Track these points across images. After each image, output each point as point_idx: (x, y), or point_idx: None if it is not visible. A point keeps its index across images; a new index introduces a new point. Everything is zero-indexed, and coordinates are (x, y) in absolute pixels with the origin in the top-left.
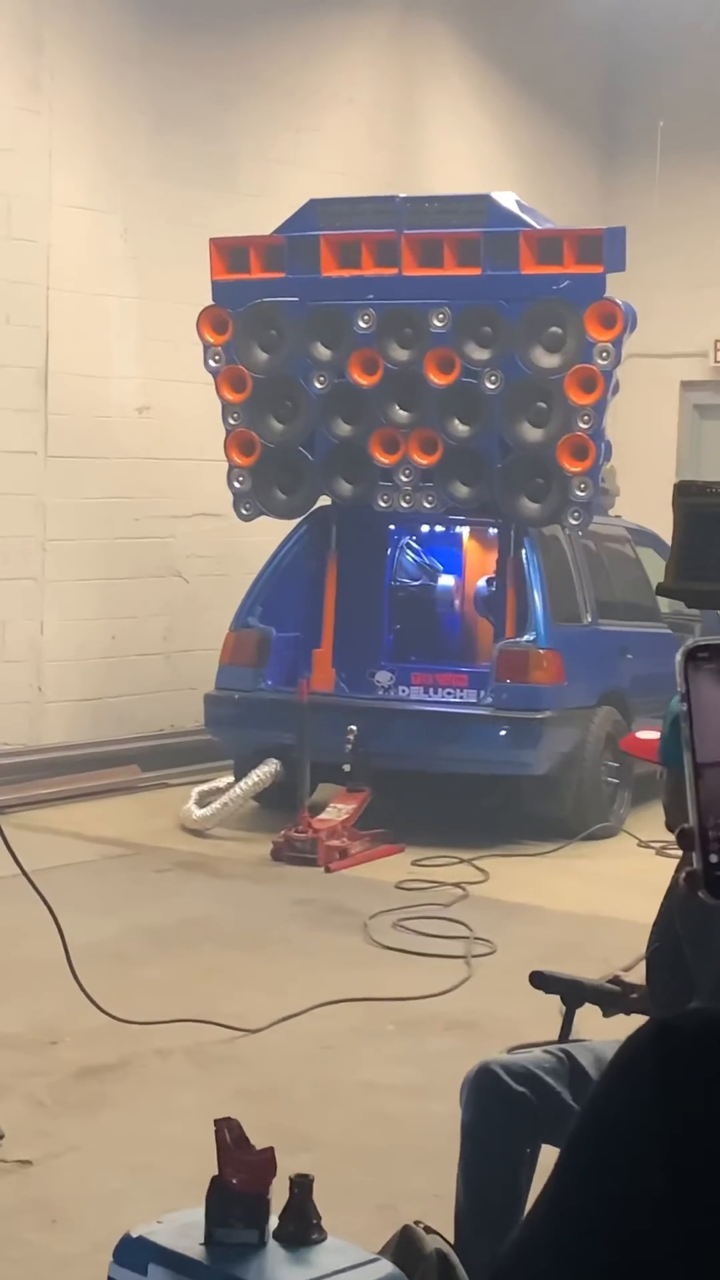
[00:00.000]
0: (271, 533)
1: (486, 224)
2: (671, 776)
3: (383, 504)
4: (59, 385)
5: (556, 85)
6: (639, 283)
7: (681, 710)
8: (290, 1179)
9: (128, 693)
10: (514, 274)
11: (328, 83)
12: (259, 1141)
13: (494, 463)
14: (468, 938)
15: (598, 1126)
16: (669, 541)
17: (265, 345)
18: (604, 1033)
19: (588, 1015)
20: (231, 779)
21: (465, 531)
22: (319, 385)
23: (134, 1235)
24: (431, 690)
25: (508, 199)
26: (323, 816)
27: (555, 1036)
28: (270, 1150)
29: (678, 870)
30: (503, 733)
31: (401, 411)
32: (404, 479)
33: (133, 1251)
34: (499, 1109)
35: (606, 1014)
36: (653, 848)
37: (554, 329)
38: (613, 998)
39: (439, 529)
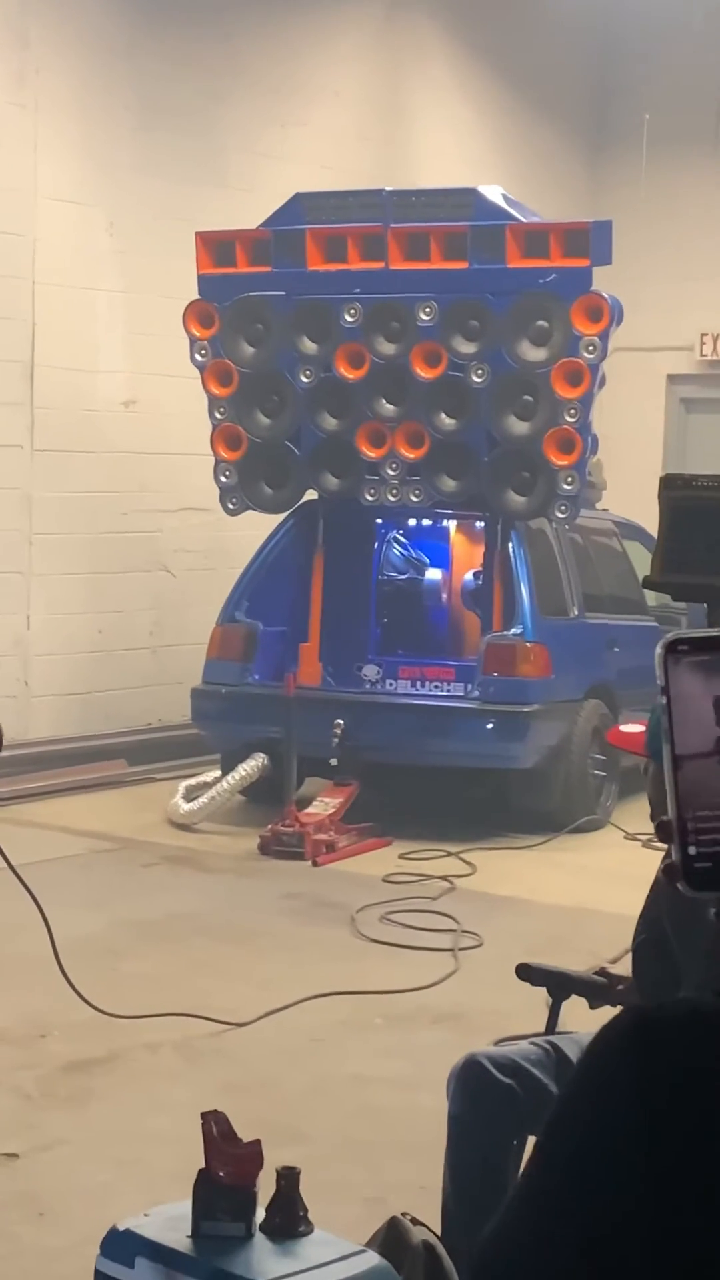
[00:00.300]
0: (258, 527)
1: (473, 217)
2: (657, 769)
3: (369, 498)
4: (45, 379)
5: (543, 79)
6: (625, 276)
7: (661, 703)
8: (277, 1171)
9: (115, 687)
10: (500, 267)
11: (314, 77)
12: (247, 1135)
13: (481, 456)
14: (455, 931)
15: (575, 1113)
16: (655, 535)
17: (251, 339)
18: (591, 1025)
19: (575, 1007)
20: (218, 773)
21: (452, 525)
22: (305, 379)
23: (121, 1228)
24: (418, 684)
25: (494, 192)
26: (310, 810)
27: (542, 1029)
28: (257, 1143)
29: (663, 862)
30: (490, 726)
31: (388, 405)
32: (391, 473)
33: (120, 1244)
34: (485, 1101)
35: (593, 1006)
36: (639, 840)
37: (540, 322)
38: (599, 990)
39: (426, 523)
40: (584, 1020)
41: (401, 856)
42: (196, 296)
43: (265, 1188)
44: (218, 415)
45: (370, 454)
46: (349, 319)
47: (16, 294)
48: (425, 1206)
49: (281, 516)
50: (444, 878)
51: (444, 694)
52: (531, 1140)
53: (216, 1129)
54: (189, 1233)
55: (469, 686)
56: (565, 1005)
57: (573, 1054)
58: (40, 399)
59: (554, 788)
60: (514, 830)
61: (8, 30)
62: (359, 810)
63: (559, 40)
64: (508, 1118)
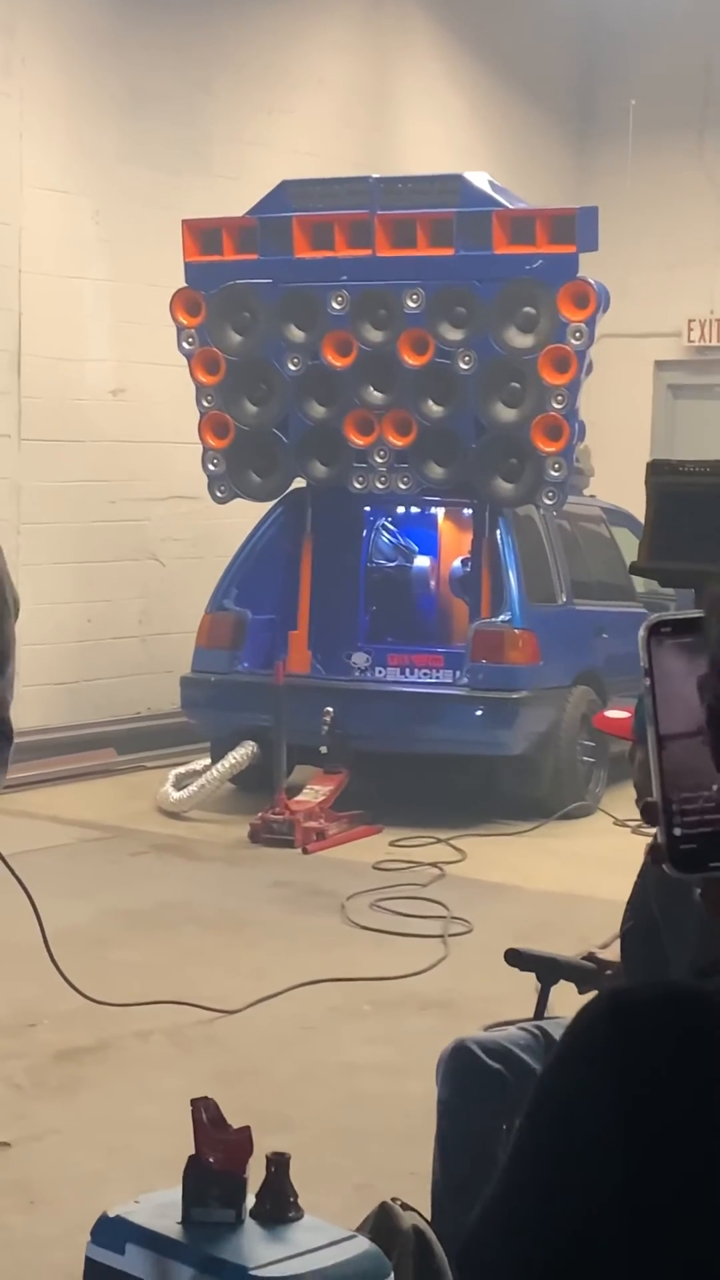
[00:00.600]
0: (247, 515)
1: (459, 204)
2: (643, 754)
3: (358, 485)
4: (32, 368)
5: (529, 65)
6: (612, 263)
7: (645, 685)
8: (267, 1157)
9: (104, 676)
10: (487, 254)
11: (300, 64)
12: (238, 1122)
13: (469, 443)
14: (445, 917)
15: (553, 1095)
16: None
17: (239, 327)
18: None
19: (564, 993)
20: (208, 761)
21: (440, 512)
22: (293, 367)
23: (111, 1215)
24: (407, 671)
25: (481, 179)
26: (300, 798)
27: (531, 1014)
28: (247, 1129)
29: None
30: (479, 713)
31: (376, 393)
32: (379, 460)
33: (110, 1231)
34: (474, 1086)
35: (582, 991)
36: (628, 826)
37: (527, 309)
38: (588, 975)
39: (414, 510)
40: (573, 1005)
41: (391, 844)
42: (183, 285)
43: (255, 1174)
44: (205, 403)
45: (358, 441)
46: (336, 306)
47: (2, 283)
48: (415, 1192)
49: (270, 505)
50: (434, 864)
51: (433, 681)
52: None
53: (206, 1116)
54: (179, 1219)
55: (458, 673)
56: (555, 990)
57: None
58: (27, 388)
59: (543, 774)
60: (503, 817)
61: None
62: (349, 798)
63: (545, 27)
64: (497, 1103)
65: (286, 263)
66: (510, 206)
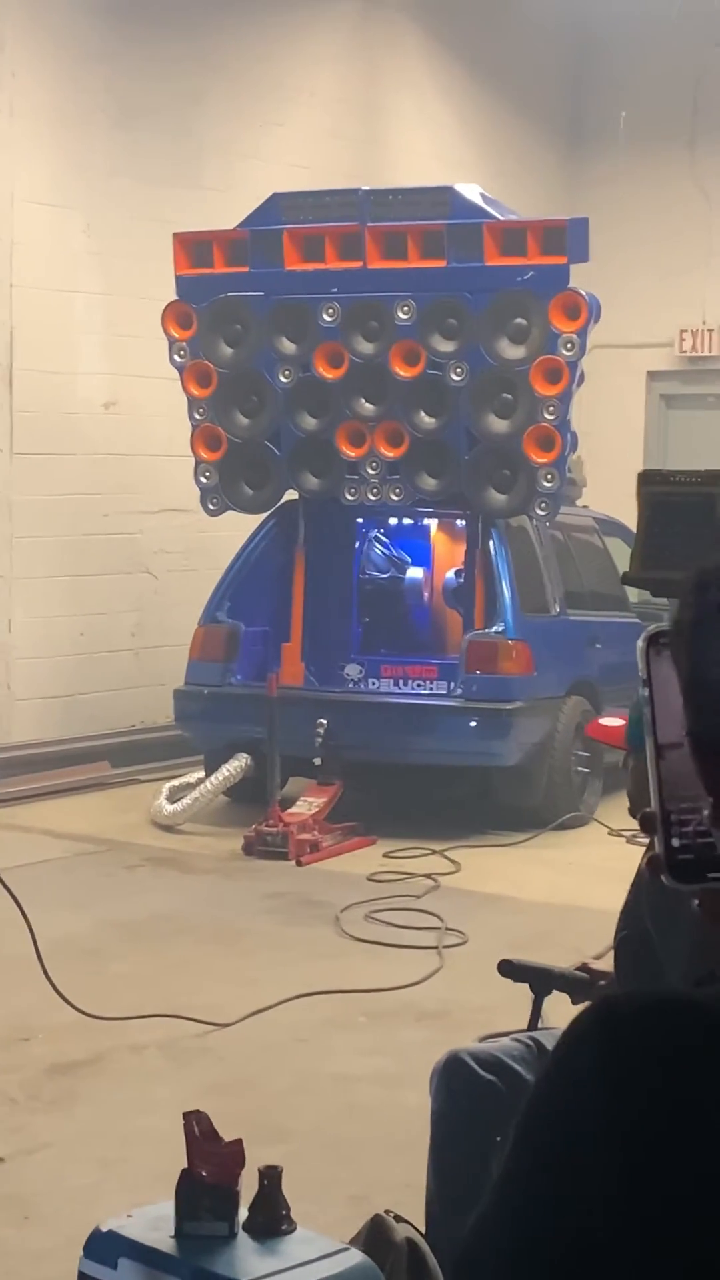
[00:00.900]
0: (239, 527)
1: (450, 216)
2: (637, 763)
3: (350, 497)
4: (24, 382)
5: (519, 76)
6: (604, 273)
7: (643, 695)
8: (259, 1170)
9: (97, 689)
10: (478, 265)
11: (290, 77)
12: (233, 1134)
13: (461, 454)
14: (439, 928)
15: (545, 1104)
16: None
17: (230, 340)
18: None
19: (559, 1004)
20: (202, 774)
21: (433, 523)
22: (284, 379)
23: (104, 1229)
24: (401, 682)
25: (471, 191)
26: (294, 810)
27: (525, 1025)
28: (238, 1142)
29: (644, 855)
30: (473, 724)
31: (367, 404)
32: (371, 472)
33: (103, 1245)
34: (468, 1097)
35: (576, 1002)
36: (623, 836)
37: (519, 320)
38: (581, 985)
39: (406, 521)
40: (567, 1016)
41: (385, 855)
42: (174, 297)
43: (248, 1187)
44: (197, 416)
45: (350, 453)
46: (327, 318)
47: None
48: (409, 1204)
49: (262, 517)
50: (428, 876)
51: (426, 692)
52: None
53: (198, 1129)
54: (172, 1233)
55: (451, 685)
56: (549, 1001)
57: None
58: (19, 401)
59: (537, 785)
60: (498, 828)
61: None
62: (343, 809)
63: (535, 38)
64: (491, 1114)
65: (277, 275)
66: (501, 218)
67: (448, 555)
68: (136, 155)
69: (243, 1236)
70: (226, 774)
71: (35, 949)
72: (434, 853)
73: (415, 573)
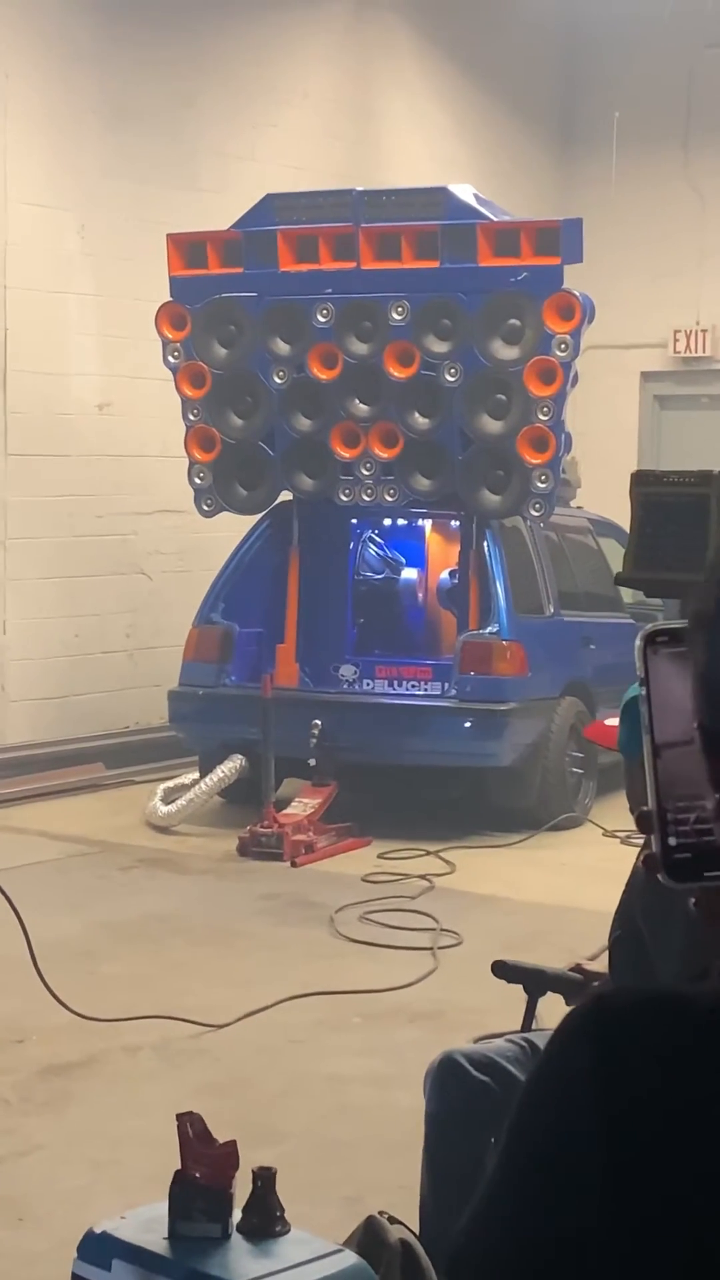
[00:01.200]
0: (233, 528)
1: (444, 217)
2: (632, 764)
3: (344, 498)
4: (17, 383)
5: (512, 77)
6: (597, 274)
7: (641, 694)
8: (253, 1171)
9: (91, 690)
10: (472, 266)
11: (284, 78)
12: (226, 1135)
13: (455, 455)
14: (434, 929)
15: (539, 1101)
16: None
17: (224, 341)
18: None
19: (553, 1004)
20: (196, 775)
21: (427, 524)
22: (278, 380)
23: (98, 1231)
24: (395, 683)
25: (465, 191)
26: (288, 811)
27: (519, 1026)
28: (232, 1144)
29: (639, 855)
30: (467, 724)
31: (361, 405)
32: (365, 472)
33: (97, 1247)
34: (462, 1098)
35: (569, 1003)
36: (617, 837)
37: (512, 321)
38: (575, 986)
39: (401, 522)
40: (561, 1017)
41: (380, 856)
42: (168, 299)
43: (242, 1188)
44: (191, 417)
45: (344, 454)
46: (321, 319)
47: None
48: (403, 1205)
49: (256, 518)
50: (423, 877)
51: (421, 693)
52: None
53: (192, 1130)
54: (165, 1234)
55: (446, 685)
56: (543, 1002)
57: None
58: (13, 403)
59: (532, 785)
60: (492, 828)
61: None
62: (337, 810)
63: (528, 39)
64: (484, 1115)
65: (271, 276)
66: (494, 219)
67: (442, 556)
68: (130, 157)
69: (236, 1238)
70: (221, 775)
71: (29, 950)
72: (428, 854)
73: (409, 573)
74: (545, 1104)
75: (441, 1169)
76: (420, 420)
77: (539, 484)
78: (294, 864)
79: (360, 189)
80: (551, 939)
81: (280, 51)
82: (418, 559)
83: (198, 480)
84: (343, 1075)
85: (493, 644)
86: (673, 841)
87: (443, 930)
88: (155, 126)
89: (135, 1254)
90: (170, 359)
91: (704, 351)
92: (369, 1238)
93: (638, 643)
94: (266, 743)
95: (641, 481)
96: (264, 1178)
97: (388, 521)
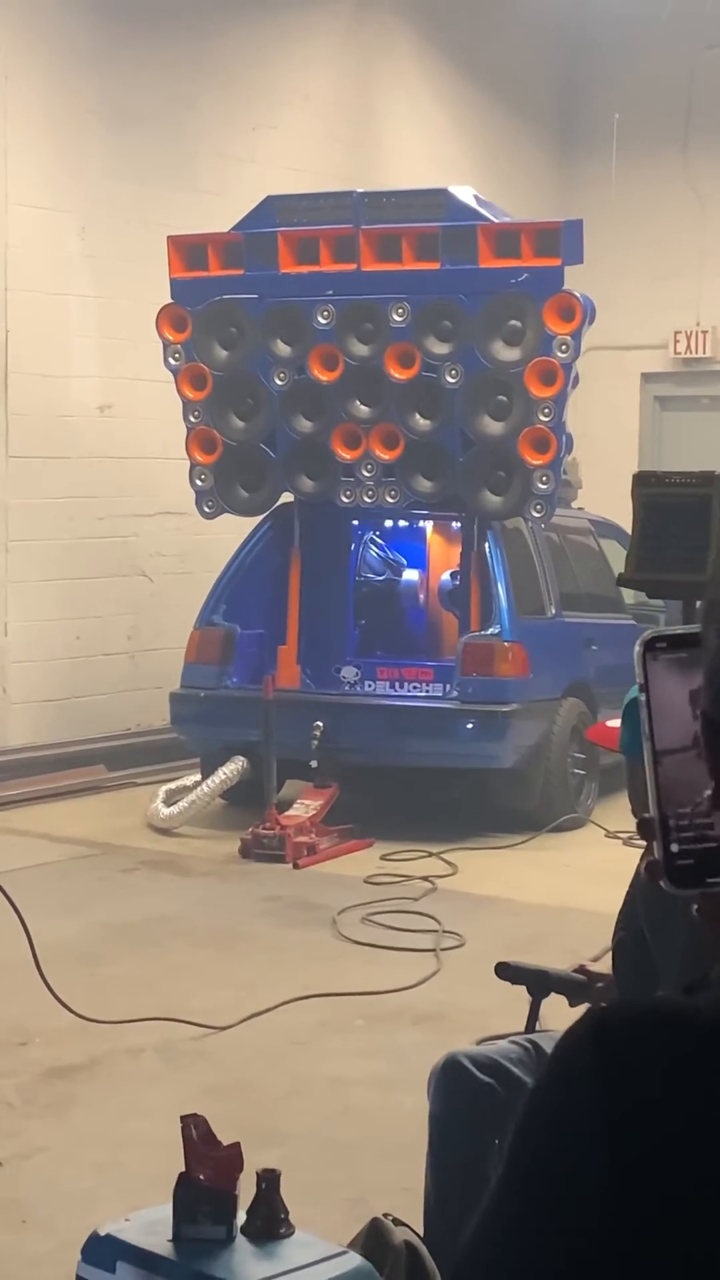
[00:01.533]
0: (235, 530)
1: (444, 218)
2: (632, 766)
3: (345, 499)
4: (18, 385)
5: (512, 78)
6: (597, 275)
7: (641, 700)
8: (257, 1174)
9: (93, 692)
10: (473, 268)
11: (284, 80)
12: (229, 1137)
13: (456, 456)
14: (437, 931)
15: (541, 1114)
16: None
17: (225, 342)
18: (571, 1023)
19: (556, 1006)
20: (198, 777)
21: (428, 526)
22: (279, 382)
23: (102, 1233)
24: (397, 685)
25: (465, 193)
26: (290, 813)
27: (523, 1027)
28: (237, 1146)
29: (642, 860)
30: (469, 726)
31: (362, 407)
32: (366, 474)
33: (101, 1249)
34: (465, 1100)
35: (573, 1004)
36: (620, 838)
37: (513, 322)
38: (578, 987)
39: (402, 524)
40: (565, 1019)
41: (382, 857)
42: (169, 300)
43: (246, 1190)
44: (192, 419)
45: (345, 455)
46: (322, 321)
47: None
48: (407, 1207)
49: (258, 519)
50: (425, 878)
51: (423, 694)
52: None
53: (196, 1132)
54: (170, 1236)
55: (448, 687)
56: (546, 1004)
57: None
58: (14, 405)
59: (534, 787)
60: (494, 830)
61: None
62: (339, 812)
63: (528, 40)
64: (488, 1117)
65: (272, 278)
66: (495, 220)
67: (443, 557)
68: (130, 159)
69: (241, 1240)
70: (223, 777)
71: (32, 952)
72: (431, 855)
73: (411, 575)
74: (548, 1110)
75: (445, 1171)
76: (421, 422)
77: (540, 485)
78: (296, 866)
79: (361, 191)
80: (554, 940)
81: (281, 53)
82: (419, 560)
83: (199, 482)
84: (346, 1077)
85: (494, 645)
86: (675, 848)
87: (445, 932)
88: (156, 128)
89: (139, 1256)
90: (171, 361)
91: (704, 352)
92: (373, 1240)
93: (637, 649)
94: (268, 744)
95: (643, 483)
96: (268, 1180)
97: (389, 523)
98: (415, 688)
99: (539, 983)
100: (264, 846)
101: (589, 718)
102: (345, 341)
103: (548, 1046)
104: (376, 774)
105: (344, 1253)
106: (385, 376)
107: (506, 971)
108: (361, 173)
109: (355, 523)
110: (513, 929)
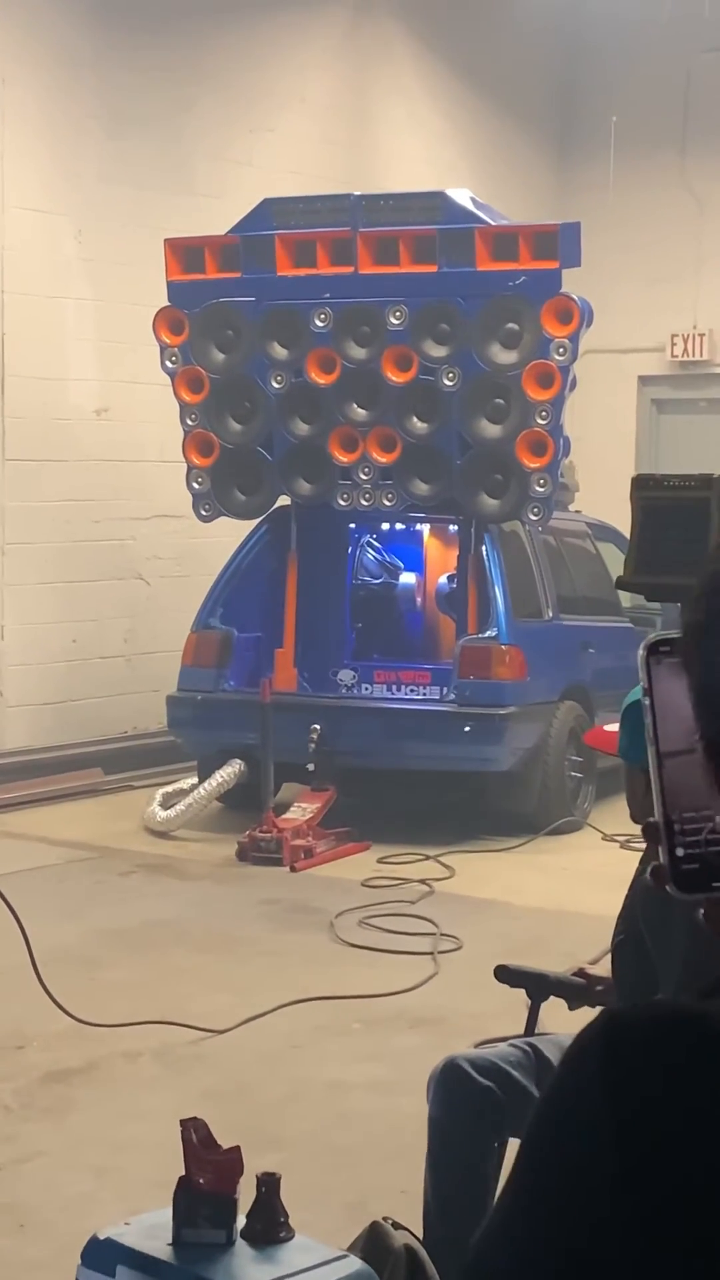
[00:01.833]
0: (232, 533)
1: (442, 221)
2: (630, 771)
3: (342, 503)
4: (15, 388)
5: (510, 81)
6: (595, 278)
7: (644, 704)
8: (257, 1177)
9: (90, 695)
10: (470, 271)
11: (281, 83)
12: (228, 1141)
13: (453, 459)
14: (434, 934)
15: (552, 1120)
16: (629, 536)
17: (222, 345)
18: (570, 1026)
19: (555, 1009)
20: (195, 780)
21: (426, 529)
22: (277, 385)
23: (101, 1237)
24: (394, 688)
25: (463, 196)
26: (287, 816)
27: (522, 1030)
28: (236, 1149)
29: (641, 863)
30: (466, 729)
31: (360, 410)
32: (363, 477)
33: (100, 1253)
34: (465, 1103)
35: (572, 1007)
36: (617, 841)
37: (511, 325)
38: (577, 990)
39: (399, 527)
40: (564, 1022)
41: (380, 860)
42: (166, 303)
43: (246, 1194)
44: (189, 422)
45: (342, 459)
46: (319, 324)
47: None
48: (407, 1210)
49: (255, 522)
50: (423, 881)
51: (420, 697)
52: (513, 1142)
53: (196, 1136)
54: (169, 1240)
55: (445, 690)
56: (545, 1007)
57: (552, 1055)
58: (11, 408)
59: (531, 790)
60: (492, 833)
61: None
62: (336, 815)
63: (526, 44)
64: (488, 1120)
65: (269, 280)
66: (492, 223)
67: (440, 560)
68: (128, 161)
69: (241, 1244)
70: (220, 780)
71: (30, 956)
72: (428, 858)
73: (408, 578)
74: (559, 1120)
75: (444, 1174)
76: (418, 425)
77: (537, 488)
78: (293, 869)
79: (358, 194)
80: (551, 943)
81: (278, 57)
82: (416, 564)
83: (196, 485)
84: (344, 1081)
85: (491, 648)
86: (680, 852)
87: (443, 935)
88: (153, 132)
89: (139, 1260)
90: (168, 364)
91: (701, 355)
92: (373, 1243)
93: (640, 652)
94: (265, 747)
95: (642, 486)
96: (268, 1183)
97: (386, 526)
98: (412, 691)
99: (538, 986)
100: (261, 850)
101: (586, 721)
102: (342, 344)
103: (547, 1050)
104: (374, 777)
105: (344, 1256)
106: (382, 379)
107: (505, 974)
108: (359, 176)
109: (352, 526)
110: (511, 932)
